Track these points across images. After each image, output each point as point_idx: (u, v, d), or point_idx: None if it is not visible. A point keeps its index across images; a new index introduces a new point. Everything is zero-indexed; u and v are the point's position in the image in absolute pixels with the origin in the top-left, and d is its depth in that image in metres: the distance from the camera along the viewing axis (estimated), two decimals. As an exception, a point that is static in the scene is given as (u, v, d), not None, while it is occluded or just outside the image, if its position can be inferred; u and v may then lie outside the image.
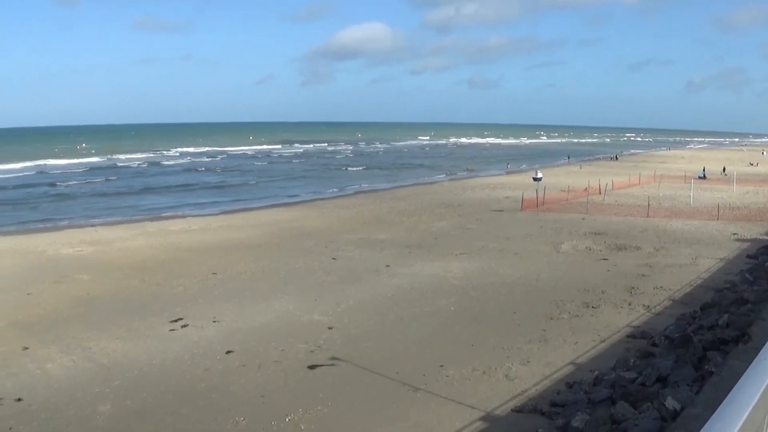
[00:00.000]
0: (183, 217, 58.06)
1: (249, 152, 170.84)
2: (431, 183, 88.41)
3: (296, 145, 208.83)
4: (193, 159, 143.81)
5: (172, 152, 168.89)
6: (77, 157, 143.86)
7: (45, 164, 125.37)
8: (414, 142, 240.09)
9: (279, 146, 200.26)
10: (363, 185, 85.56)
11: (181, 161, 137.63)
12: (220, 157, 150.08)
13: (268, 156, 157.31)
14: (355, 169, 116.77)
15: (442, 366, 21.61)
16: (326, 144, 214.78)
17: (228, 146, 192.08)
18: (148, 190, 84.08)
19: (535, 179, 72.35)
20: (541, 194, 59.94)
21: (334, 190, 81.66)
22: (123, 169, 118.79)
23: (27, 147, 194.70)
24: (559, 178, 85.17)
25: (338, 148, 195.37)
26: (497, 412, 18.04)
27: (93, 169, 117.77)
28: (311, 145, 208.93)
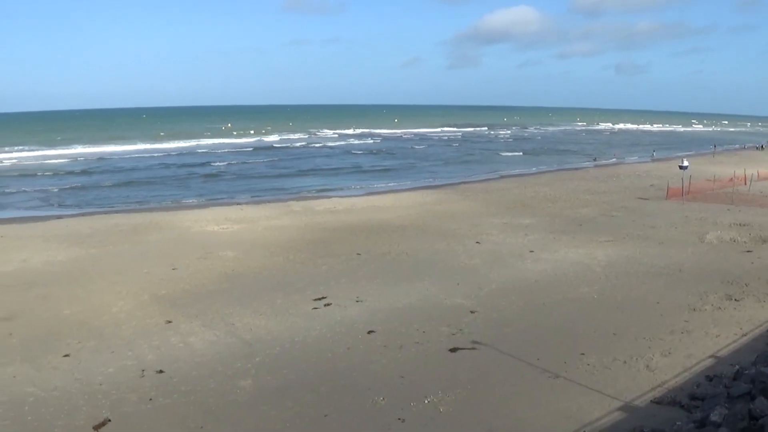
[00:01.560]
0: (329, 197, 62.84)
1: (406, 135, 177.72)
2: (577, 169, 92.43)
3: (443, 128, 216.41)
4: (349, 141, 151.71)
5: (329, 134, 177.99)
6: (227, 137, 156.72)
7: (198, 144, 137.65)
8: (568, 127, 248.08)
9: (437, 129, 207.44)
10: (510, 170, 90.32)
11: (340, 143, 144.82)
12: (372, 139, 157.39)
13: (427, 139, 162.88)
14: (513, 154, 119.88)
15: (583, 354, 23.00)
16: (486, 128, 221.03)
17: (381, 128, 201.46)
18: (309, 172, 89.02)
19: (681, 167, 74.02)
20: (686, 183, 62.20)
21: (481, 173, 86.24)
22: (280, 150, 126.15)
23: (181, 126, 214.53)
24: (705, 167, 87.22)
25: (495, 132, 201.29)
26: (636, 402, 19.19)
27: (246, 149, 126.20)
28: (469, 129, 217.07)
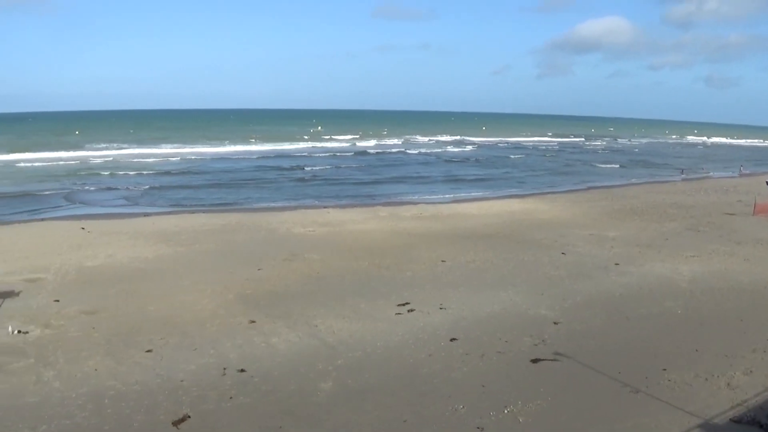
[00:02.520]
0: (415, 203, 63.49)
1: (501, 143, 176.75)
2: (664, 182, 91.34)
3: (538, 138, 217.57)
4: (445, 148, 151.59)
5: (423, 140, 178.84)
6: (320, 141, 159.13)
7: (288, 147, 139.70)
8: (661, 140, 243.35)
9: (532, 138, 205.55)
10: (598, 182, 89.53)
11: (436, 150, 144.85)
12: (467, 147, 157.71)
13: (521, 148, 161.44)
14: (609, 165, 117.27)
15: (664, 369, 22.84)
16: (582, 138, 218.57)
17: (471, 136, 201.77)
18: (406, 179, 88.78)
19: None
20: (773, 200, 60.40)
21: (569, 184, 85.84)
22: (375, 155, 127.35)
23: (270, 128, 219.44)
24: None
25: (590, 143, 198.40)
26: (716, 420, 19.04)
27: (342, 153, 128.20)
28: (565, 139, 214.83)
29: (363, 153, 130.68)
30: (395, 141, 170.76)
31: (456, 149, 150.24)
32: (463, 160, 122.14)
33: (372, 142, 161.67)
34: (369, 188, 77.76)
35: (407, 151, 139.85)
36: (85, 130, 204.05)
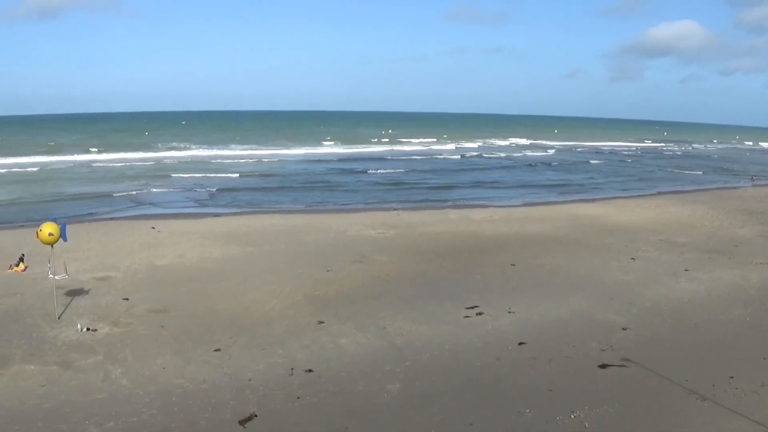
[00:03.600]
0: (486, 206, 63.44)
1: (579, 148, 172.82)
2: (734, 188, 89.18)
3: (614, 143, 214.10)
4: (523, 152, 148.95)
5: (502, 144, 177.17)
6: (395, 144, 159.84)
7: (361, 150, 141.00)
8: (738, 145, 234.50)
9: (608, 143, 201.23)
10: (667, 187, 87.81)
11: (516, 154, 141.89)
12: (546, 151, 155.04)
13: (599, 153, 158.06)
14: (692, 172, 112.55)
15: (732, 377, 22.50)
16: (662, 144, 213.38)
17: (543, 139, 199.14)
18: (495, 184, 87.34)
19: None
20: None
21: (639, 189, 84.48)
22: (452, 160, 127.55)
23: (339, 130, 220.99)
24: None
25: (670, 148, 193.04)
26: None
27: (415, 156, 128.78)
28: (644, 144, 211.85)
29: (439, 156, 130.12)
30: (472, 144, 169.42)
31: (535, 153, 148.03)
32: (543, 164, 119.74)
33: (450, 146, 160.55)
34: (442, 192, 77.12)
35: (483, 155, 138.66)
36: (157, 130, 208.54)
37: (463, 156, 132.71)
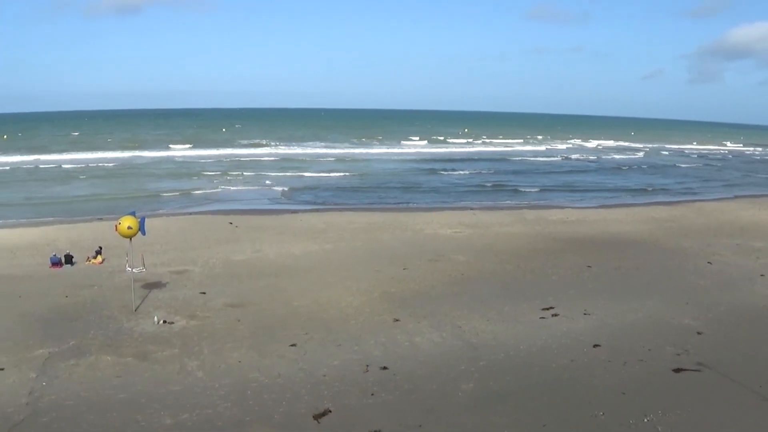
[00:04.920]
0: (562, 207, 63.16)
1: (665, 151, 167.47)
2: None
3: (700, 146, 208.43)
4: (611, 155, 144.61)
5: (587, 145, 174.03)
6: (477, 146, 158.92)
7: (439, 151, 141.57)
8: None
9: (692, 146, 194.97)
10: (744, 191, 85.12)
11: (605, 157, 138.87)
12: (634, 153, 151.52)
13: (685, 156, 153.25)
14: None
15: None
16: (752, 149, 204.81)
17: (625, 141, 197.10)
18: (591, 187, 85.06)
19: None
20: None
21: (716, 192, 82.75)
22: (532, 161, 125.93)
23: (420, 129, 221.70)
24: None
25: (758, 152, 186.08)
26: None
27: (495, 158, 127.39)
28: (733, 147, 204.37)
29: (522, 157, 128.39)
30: (560, 146, 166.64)
31: (624, 156, 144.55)
32: (631, 167, 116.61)
33: (535, 147, 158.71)
34: (521, 196, 76.28)
35: (570, 156, 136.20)
36: (236, 128, 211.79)
37: (552, 157, 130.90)
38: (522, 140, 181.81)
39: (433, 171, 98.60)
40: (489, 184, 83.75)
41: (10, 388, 21.30)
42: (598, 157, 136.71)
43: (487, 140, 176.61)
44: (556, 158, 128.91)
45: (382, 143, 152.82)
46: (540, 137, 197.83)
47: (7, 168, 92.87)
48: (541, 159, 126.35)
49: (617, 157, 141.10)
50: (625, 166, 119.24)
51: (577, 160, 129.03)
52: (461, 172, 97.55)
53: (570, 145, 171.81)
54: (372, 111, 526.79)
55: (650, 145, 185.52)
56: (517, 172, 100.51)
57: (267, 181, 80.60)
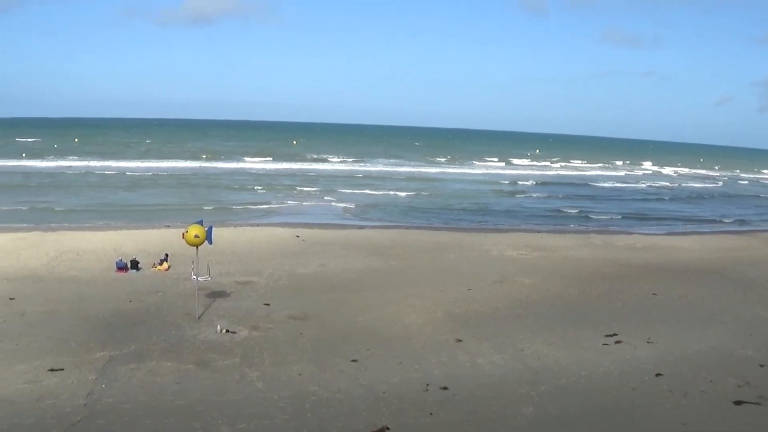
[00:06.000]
0: (629, 233, 62.48)
1: (740, 180, 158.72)
2: None
3: None
4: (689, 183, 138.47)
5: (666, 171, 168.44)
6: (544, 169, 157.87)
7: (506, 173, 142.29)
8: None
9: None
10: None
11: (686, 184, 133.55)
12: (719, 183, 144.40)
13: (762, 185, 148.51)
14: None
15: None
16: None
17: (694, 168, 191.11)
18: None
19: None
20: None
21: None
22: (601, 186, 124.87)
23: (487, 149, 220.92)
24: None
25: None
26: None
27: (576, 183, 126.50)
28: None
29: (594, 181, 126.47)
30: (632, 172, 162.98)
31: (700, 184, 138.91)
32: (713, 196, 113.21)
33: (604, 172, 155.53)
34: (592, 221, 75.22)
35: (647, 183, 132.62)
36: (305, 141, 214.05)
37: (626, 183, 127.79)
38: (595, 164, 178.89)
39: (504, 192, 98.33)
40: (560, 208, 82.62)
41: (69, 389, 21.72)
42: (676, 185, 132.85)
43: (561, 163, 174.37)
44: (630, 184, 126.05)
45: (452, 163, 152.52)
46: (618, 162, 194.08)
47: (78, 172, 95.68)
48: (618, 185, 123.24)
49: (695, 185, 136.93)
50: (705, 195, 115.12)
51: (653, 187, 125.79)
52: (533, 195, 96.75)
53: (647, 172, 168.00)
54: (441, 130, 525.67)
55: (727, 173, 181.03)
56: (591, 197, 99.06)
57: (335, 196, 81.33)
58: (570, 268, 43.72)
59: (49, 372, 23.12)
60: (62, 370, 23.31)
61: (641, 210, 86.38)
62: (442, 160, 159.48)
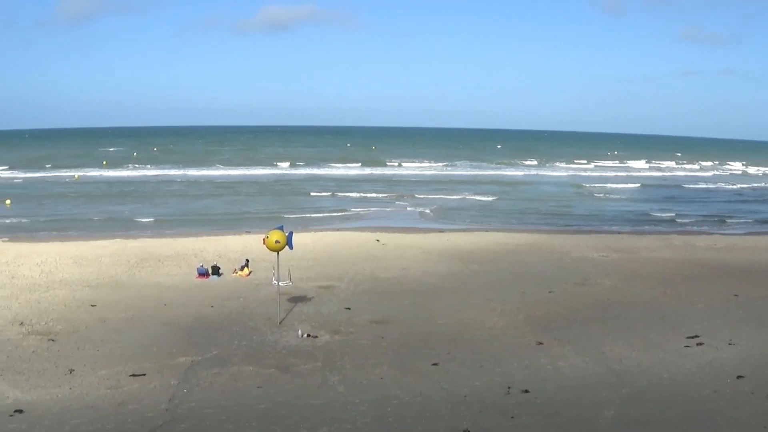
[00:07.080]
0: (710, 234, 61.32)
1: None
2: None
3: None
4: None
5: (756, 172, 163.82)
6: (624, 170, 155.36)
7: (587, 175, 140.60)
8: None
9: None
10: None
11: None
12: None
13: None
14: None
15: None
16: None
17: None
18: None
19: None
20: None
21: None
22: (682, 186, 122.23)
23: (565, 150, 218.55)
24: None
25: None
26: None
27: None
28: None
29: (678, 183, 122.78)
30: (716, 172, 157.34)
31: None
32: None
33: (685, 173, 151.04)
34: (673, 223, 73.56)
35: (734, 184, 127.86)
36: (383, 146, 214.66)
37: (710, 183, 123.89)
38: (676, 163, 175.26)
39: (585, 194, 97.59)
40: (642, 209, 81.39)
41: (152, 393, 22.30)
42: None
43: (640, 162, 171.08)
44: (715, 185, 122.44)
45: (531, 164, 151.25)
46: (706, 163, 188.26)
47: (158, 180, 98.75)
48: (701, 186, 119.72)
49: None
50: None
51: (743, 188, 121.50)
52: (614, 196, 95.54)
53: (736, 172, 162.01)
54: (518, 132, 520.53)
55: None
56: (674, 198, 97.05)
57: (415, 200, 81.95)
58: (650, 269, 43.18)
59: (131, 377, 23.77)
60: (144, 375, 23.93)
61: (727, 211, 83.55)
62: (526, 162, 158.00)
